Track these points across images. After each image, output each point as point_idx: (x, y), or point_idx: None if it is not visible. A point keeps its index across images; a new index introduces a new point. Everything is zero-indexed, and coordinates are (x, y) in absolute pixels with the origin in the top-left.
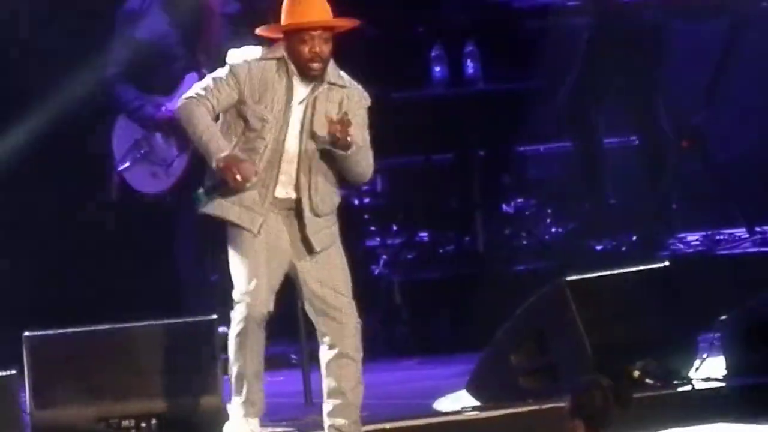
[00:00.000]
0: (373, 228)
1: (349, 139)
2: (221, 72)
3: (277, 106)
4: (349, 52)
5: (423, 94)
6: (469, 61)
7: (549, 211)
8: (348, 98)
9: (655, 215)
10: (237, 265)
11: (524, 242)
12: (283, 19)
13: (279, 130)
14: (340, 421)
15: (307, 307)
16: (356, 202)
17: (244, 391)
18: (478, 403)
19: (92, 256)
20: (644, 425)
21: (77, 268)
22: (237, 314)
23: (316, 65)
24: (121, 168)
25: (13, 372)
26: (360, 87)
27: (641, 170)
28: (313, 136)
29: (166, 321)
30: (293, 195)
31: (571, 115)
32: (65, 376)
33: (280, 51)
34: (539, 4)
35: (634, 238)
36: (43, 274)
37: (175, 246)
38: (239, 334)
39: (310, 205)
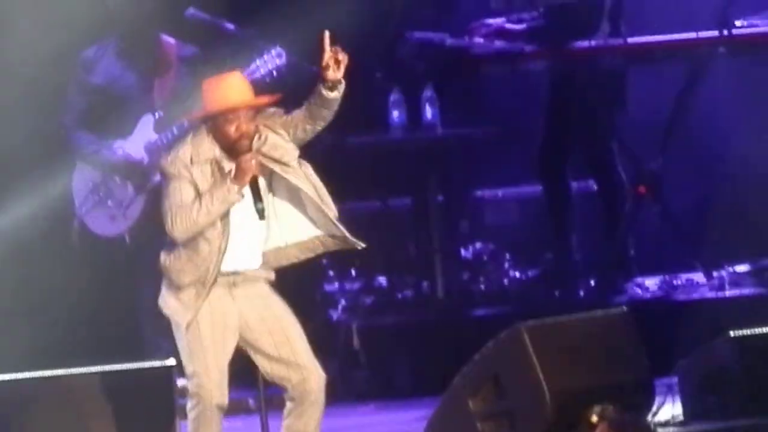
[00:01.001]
0: (331, 273)
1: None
2: (172, 185)
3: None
4: (306, 95)
5: (381, 139)
6: (427, 106)
7: (507, 255)
8: (270, 130)
9: (613, 260)
10: (186, 358)
11: (482, 287)
12: (206, 104)
13: (223, 226)
14: None
15: (269, 375)
16: None
17: None
18: None
19: (54, 300)
20: None
21: (35, 312)
22: (191, 407)
23: (244, 142)
24: (80, 213)
25: None
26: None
27: (599, 215)
28: (282, 164)
29: (122, 366)
30: (253, 265)
31: (544, 164)
32: (21, 421)
33: (209, 148)
34: (497, 49)
35: (592, 283)
36: (4, 319)
37: (137, 289)
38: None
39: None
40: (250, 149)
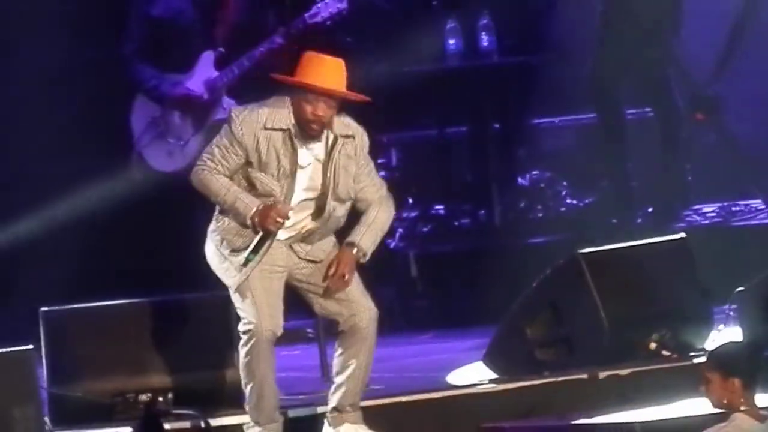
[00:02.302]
0: None
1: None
2: (227, 138)
3: (283, 178)
4: (364, 26)
5: (438, 68)
6: (483, 33)
7: (564, 183)
8: (357, 149)
9: (671, 187)
10: (235, 297)
11: (540, 214)
12: (296, 75)
13: (283, 196)
14: (339, 403)
15: (320, 311)
16: None
17: (261, 420)
18: (494, 376)
19: (111, 232)
20: (660, 397)
21: (96, 244)
22: (243, 343)
23: (314, 126)
24: (138, 146)
25: (31, 347)
26: (360, 128)
27: (656, 142)
28: (337, 198)
29: (182, 295)
30: (293, 233)
31: (596, 89)
32: (82, 350)
33: (286, 117)
34: None
35: (650, 209)
36: (61, 250)
37: (197, 222)
38: (246, 366)
39: (313, 237)
40: (319, 133)
